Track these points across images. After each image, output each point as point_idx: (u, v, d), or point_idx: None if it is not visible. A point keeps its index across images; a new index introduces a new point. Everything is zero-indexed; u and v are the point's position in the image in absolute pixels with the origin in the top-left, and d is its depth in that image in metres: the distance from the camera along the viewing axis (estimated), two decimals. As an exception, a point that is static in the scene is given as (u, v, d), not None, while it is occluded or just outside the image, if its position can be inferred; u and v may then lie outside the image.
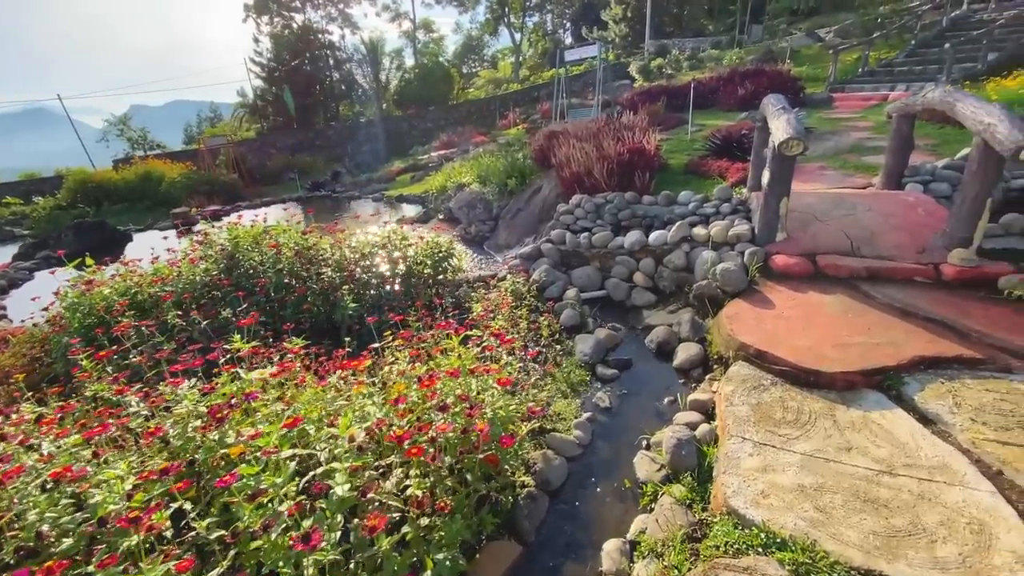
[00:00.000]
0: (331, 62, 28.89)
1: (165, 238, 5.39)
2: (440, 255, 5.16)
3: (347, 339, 3.64)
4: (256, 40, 27.12)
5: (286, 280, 4.40)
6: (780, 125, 4.01)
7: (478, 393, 2.68)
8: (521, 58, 39.38)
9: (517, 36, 36.62)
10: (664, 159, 9.16)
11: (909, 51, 15.83)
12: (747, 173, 6.48)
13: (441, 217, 11.45)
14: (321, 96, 29.57)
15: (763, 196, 4.40)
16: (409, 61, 32.45)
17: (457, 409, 2.40)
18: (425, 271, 4.97)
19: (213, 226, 4.99)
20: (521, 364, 3.84)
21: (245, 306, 3.80)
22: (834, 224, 4.45)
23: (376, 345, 3.17)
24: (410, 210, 12.93)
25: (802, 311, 3.61)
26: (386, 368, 2.92)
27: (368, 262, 4.77)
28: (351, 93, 30.36)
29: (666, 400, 3.69)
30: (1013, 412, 2.48)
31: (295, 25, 28.47)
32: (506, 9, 35.55)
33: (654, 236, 5.23)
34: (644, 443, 3.20)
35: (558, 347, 4.48)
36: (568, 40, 43.14)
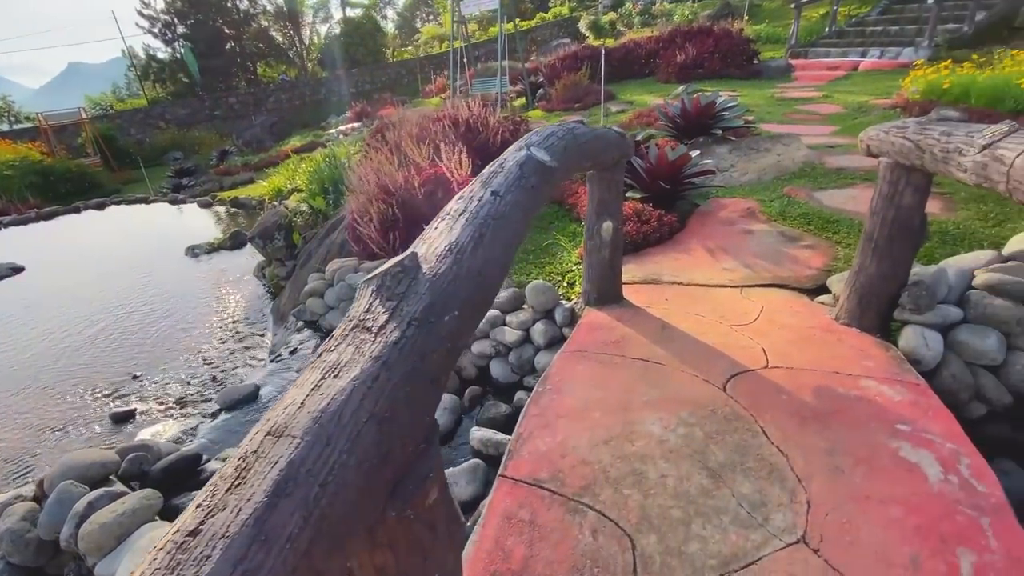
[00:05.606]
0: (242, 15, 23.82)
1: None
2: None
3: None
4: (142, -12, 21.91)
5: None
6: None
7: None
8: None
9: (462, -15, 31.14)
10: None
11: (884, 7, 12.08)
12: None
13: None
14: (237, 56, 24.68)
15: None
16: (337, 14, 27.32)
17: None
18: None
19: None
20: None
21: None
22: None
23: None
24: (240, 221, 9.26)
25: None
26: None
27: None
28: (269, 53, 25.41)
29: None
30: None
31: (196, -30, 23.14)
32: (447, -46, 29.90)
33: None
34: None
35: None
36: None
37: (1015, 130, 1.38)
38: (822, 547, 1.36)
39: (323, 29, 26.39)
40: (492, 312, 3.17)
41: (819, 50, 11.17)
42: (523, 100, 12.36)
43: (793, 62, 10.91)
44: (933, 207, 3.52)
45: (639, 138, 5.31)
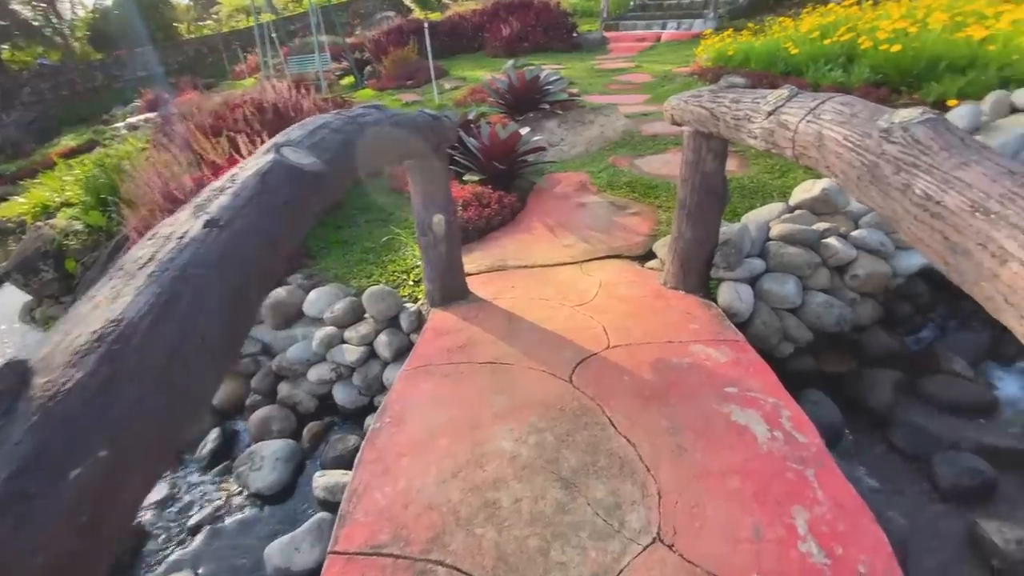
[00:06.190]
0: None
1: None
2: None
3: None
4: None
5: None
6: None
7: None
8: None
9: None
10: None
11: (677, -19, 13.33)
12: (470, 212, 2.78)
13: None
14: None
15: None
16: (105, -18, 22.41)
17: None
18: None
19: None
20: None
21: None
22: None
23: None
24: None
25: None
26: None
27: None
28: (17, 31, 20.02)
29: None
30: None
31: None
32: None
33: None
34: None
35: None
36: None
37: (796, 94, 1.41)
38: (676, 540, 1.32)
39: (89, 1, 21.53)
40: (328, 330, 2.76)
41: (628, 23, 12.02)
42: (351, 79, 11.40)
43: (607, 34, 11.59)
44: (730, 165, 3.88)
45: (471, 116, 5.11)
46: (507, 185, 4.12)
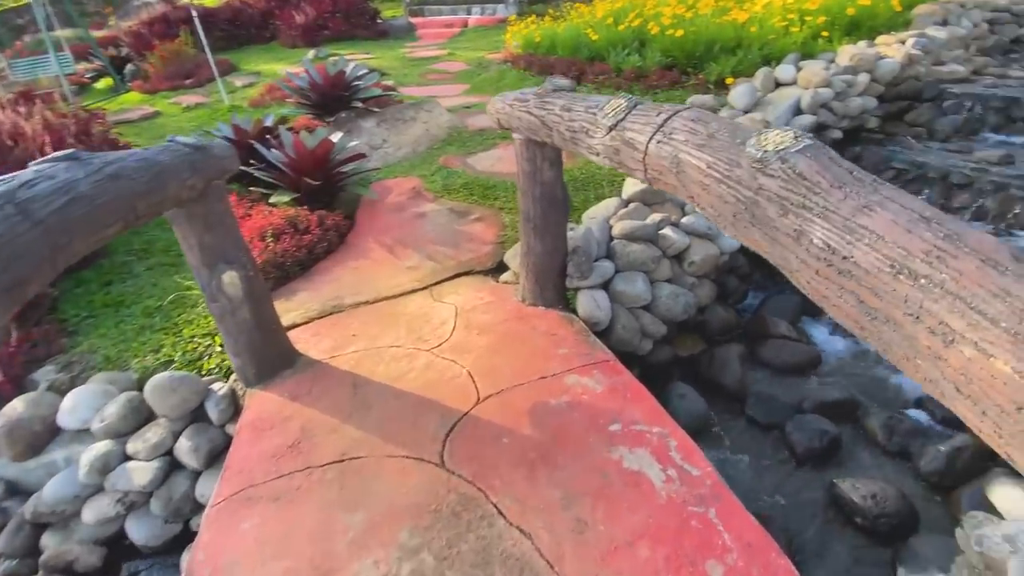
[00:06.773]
0: None
1: None
2: None
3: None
4: None
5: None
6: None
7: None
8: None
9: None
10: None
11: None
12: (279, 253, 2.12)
13: None
14: None
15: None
16: None
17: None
18: None
19: None
20: None
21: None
22: None
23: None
24: None
25: None
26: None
27: None
28: None
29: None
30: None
31: None
32: None
33: None
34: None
35: None
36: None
37: (635, 104, 1.21)
38: (601, 659, 1.08)
39: None
40: (101, 446, 1.98)
41: (433, 8, 11.59)
42: (109, 81, 9.15)
43: (414, 20, 11.06)
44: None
45: (269, 123, 4.29)
46: (328, 202, 3.53)
